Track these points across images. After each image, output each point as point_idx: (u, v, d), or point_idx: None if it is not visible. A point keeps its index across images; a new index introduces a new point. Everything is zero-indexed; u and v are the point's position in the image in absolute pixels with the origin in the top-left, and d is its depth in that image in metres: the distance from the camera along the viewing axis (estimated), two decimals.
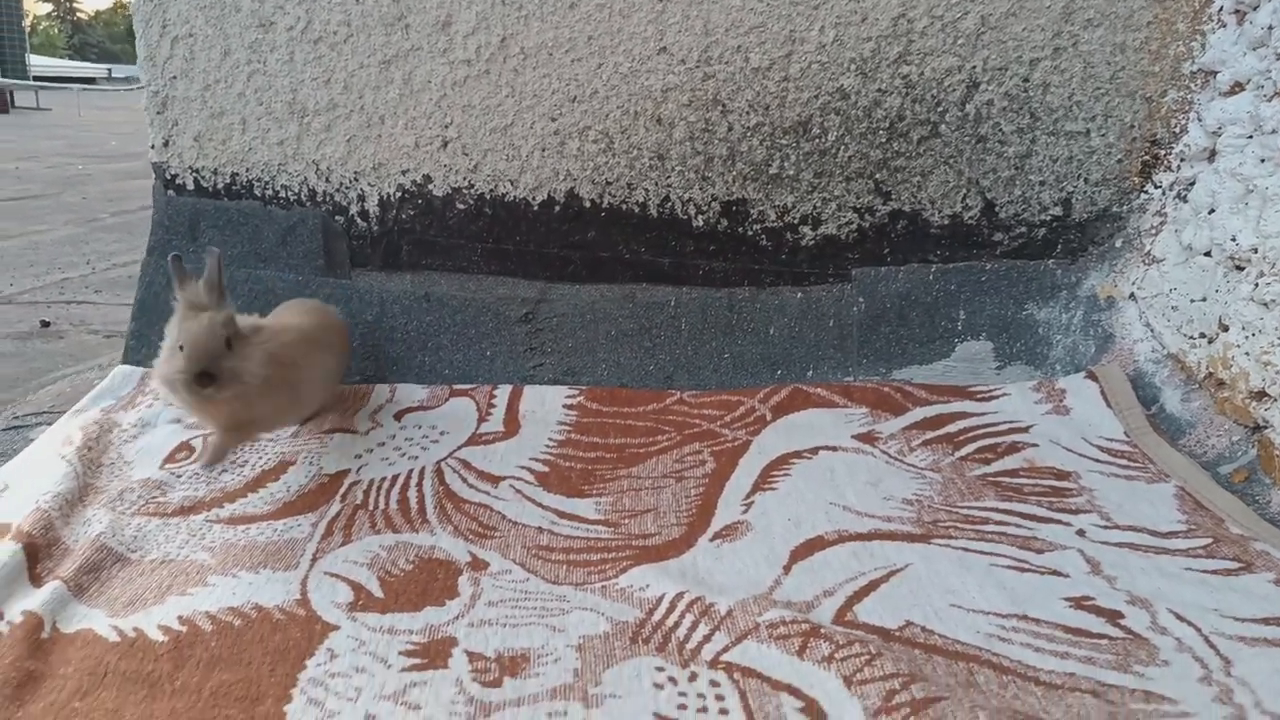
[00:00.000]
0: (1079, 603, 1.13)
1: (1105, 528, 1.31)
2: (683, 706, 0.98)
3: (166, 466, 1.58)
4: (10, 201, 4.57)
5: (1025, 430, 1.60)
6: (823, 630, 1.08)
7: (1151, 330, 1.69)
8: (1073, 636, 1.07)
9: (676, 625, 1.12)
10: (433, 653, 1.09)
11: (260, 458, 1.62)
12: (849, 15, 1.67)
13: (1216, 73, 1.61)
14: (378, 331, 1.90)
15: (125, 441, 1.66)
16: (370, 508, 1.45)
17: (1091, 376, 1.68)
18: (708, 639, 1.09)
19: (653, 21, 1.70)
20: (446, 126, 1.80)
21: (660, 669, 1.05)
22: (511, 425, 1.71)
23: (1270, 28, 1.48)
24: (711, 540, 1.34)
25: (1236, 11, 1.57)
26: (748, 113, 1.75)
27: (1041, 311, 1.79)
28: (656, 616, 1.15)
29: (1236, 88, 1.57)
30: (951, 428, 1.62)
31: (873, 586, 1.19)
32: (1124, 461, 1.49)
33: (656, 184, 1.81)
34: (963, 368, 1.79)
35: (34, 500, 1.40)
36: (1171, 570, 1.19)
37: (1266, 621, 1.07)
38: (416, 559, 1.30)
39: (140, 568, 1.29)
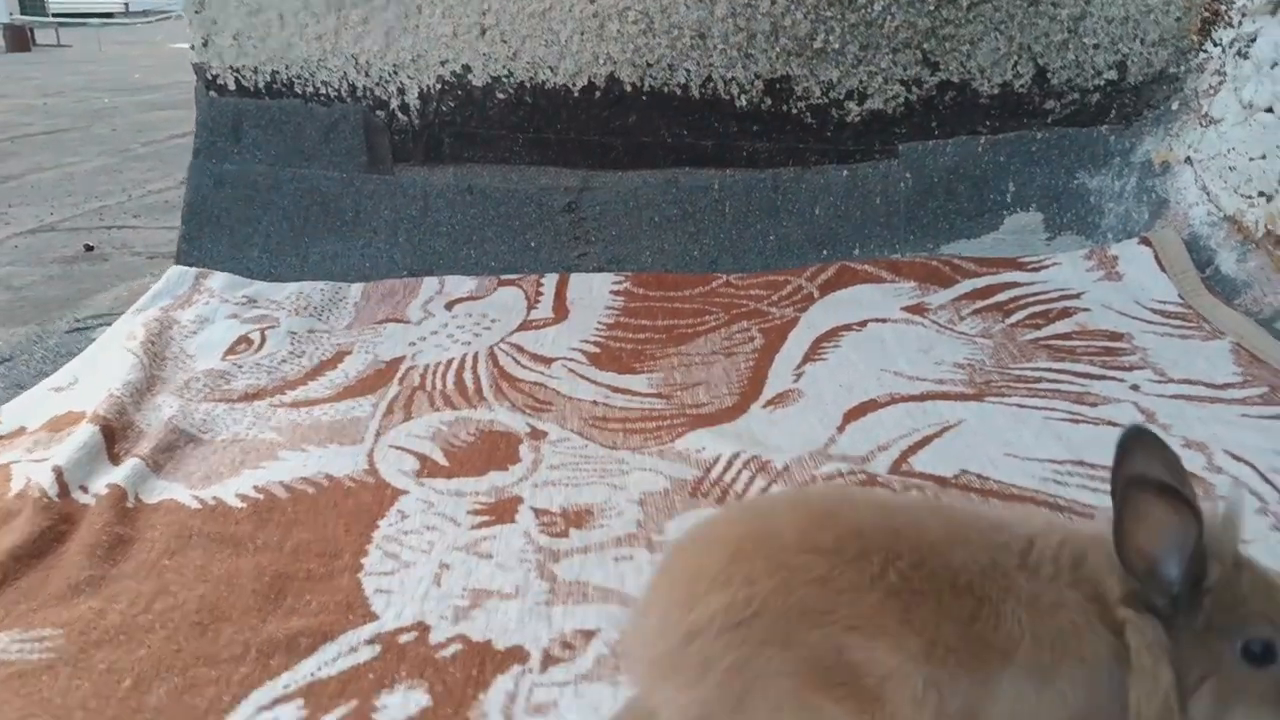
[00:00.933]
0: None
1: (1160, 382, 1.31)
2: None
3: (228, 358, 1.62)
4: (42, 135, 4.59)
5: (1076, 297, 1.59)
6: (880, 479, 1.10)
7: (1208, 193, 1.65)
8: None
9: (734, 480, 1.15)
10: (500, 511, 1.13)
11: (317, 349, 1.65)
12: None
13: None
14: (423, 226, 1.91)
15: (185, 337, 1.70)
16: (428, 389, 1.48)
17: (1145, 242, 1.66)
18: (765, 490, 1.12)
19: None
20: (484, 13, 1.78)
21: None
22: (560, 311, 1.73)
23: None
24: (764, 407, 1.36)
25: None
26: None
27: (1094, 180, 1.75)
28: (714, 474, 1.17)
29: None
30: (1001, 297, 1.61)
31: (927, 441, 1.20)
32: (1178, 322, 1.48)
33: (698, 64, 1.78)
34: (1012, 240, 1.77)
35: (105, 389, 1.45)
36: (1228, 418, 1.19)
37: None
38: (477, 431, 1.34)
39: (212, 446, 1.34)
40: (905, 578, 0.63)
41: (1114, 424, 1.20)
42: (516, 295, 1.78)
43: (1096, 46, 1.69)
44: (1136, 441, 0.66)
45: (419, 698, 0.84)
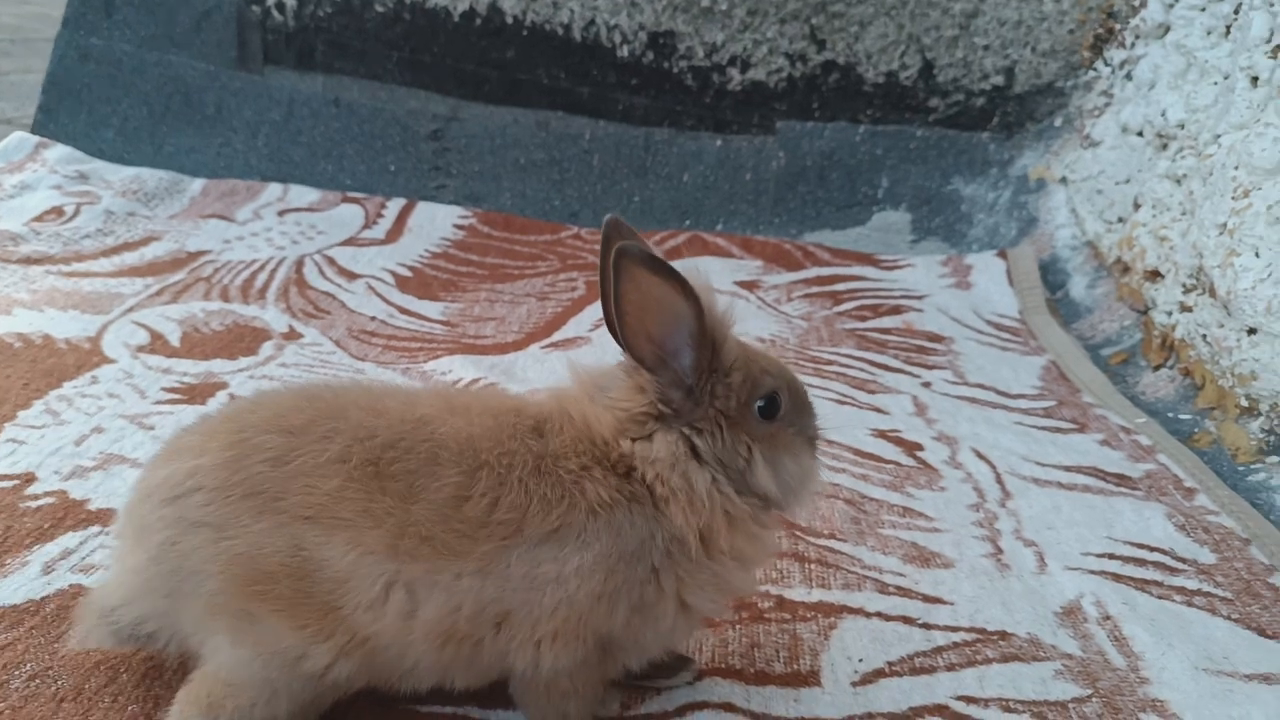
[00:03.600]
0: (884, 434, 1.06)
1: (954, 383, 1.23)
2: None
3: (31, 223, 1.54)
4: (47, 41, 4.50)
5: (918, 298, 1.51)
6: None
7: (1076, 215, 1.58)
8: (859, 459, 1.00)
9: None
10: (196, 392, 1.05)
11: (128, 231, 1.57)
12: None
13: None
14: (284, 132, 1.83)
15: (1, 199, 1.62)
16: (213, 281, 1.40)
17: (1002, 255, 1.58)
18: None
19: None
20: None
21: None
22: (394, 235, 1.64)
23: None
24: (543, 348, 1.28)
25: None
26: None
27: (968, 187, 1.68)
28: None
29: None
30: (840, 286, 1.53)
31: None
32: (1007, 335, 1.40)
33: (583, 4, 1.71)
34: (877, 237, 1.69)
35: None
36: (1000, 422, 1.11)
37: (1069, 469, 0.99)
38: (232, 324, 1.26)
39: None
40: (372, 460, 0.55)
41: (880, 410, 1.12)
42: (356, 213, 1.70)
43: (987, 48, 1.62)
44: (616, 228, 0.60)
45: None
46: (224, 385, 1.07)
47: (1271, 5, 1.19)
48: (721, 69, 1.71)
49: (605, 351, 1.25)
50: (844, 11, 1.64)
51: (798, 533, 0.85)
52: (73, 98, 1.89)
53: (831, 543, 0.84)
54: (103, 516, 0.81)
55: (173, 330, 1.21)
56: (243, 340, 1.21)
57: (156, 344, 1.17)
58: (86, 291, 1.31)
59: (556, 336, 1.32)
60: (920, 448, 1.03)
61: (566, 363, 0.63)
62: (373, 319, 1.33)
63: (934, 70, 1.65)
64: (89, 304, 1.27)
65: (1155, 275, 1.32)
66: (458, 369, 1.17)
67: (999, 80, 1.64)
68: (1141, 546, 0.85)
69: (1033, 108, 1.65)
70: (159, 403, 1.02)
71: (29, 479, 0.85)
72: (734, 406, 0.58)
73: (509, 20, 1.74)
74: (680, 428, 0.58)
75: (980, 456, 1.01)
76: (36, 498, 0.83)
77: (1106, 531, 0.87)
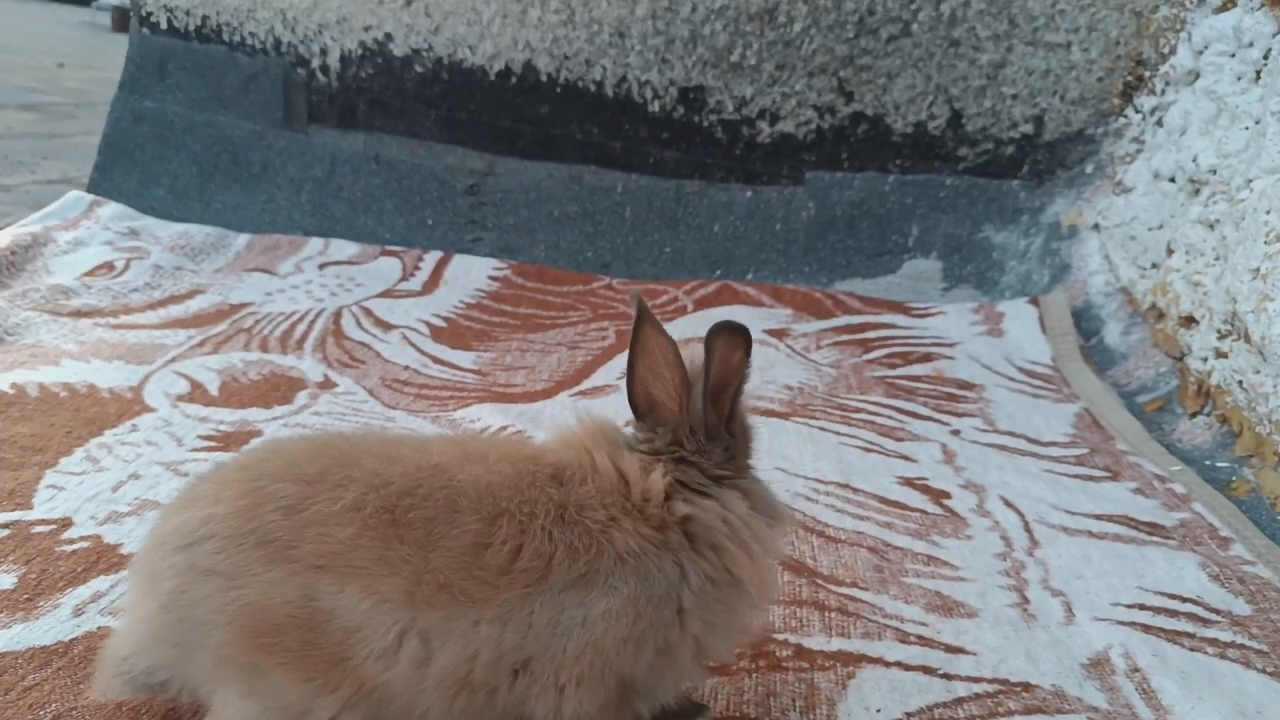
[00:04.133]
0: (911, 482, 1.05)
1: (984, 430, 1.21)
2: None
3: (82, 278, 1.60)
4: (108, 105, 4.74)
5: (949, 346, 1.50)
6: None
7: (1109, 262, 1.56)
8: (885, 506, 0.99)
9: None
10: (231, 440, 1.08)
11: (175, 285, 1.63)
12: None
13: None
14: (327, 189, 1.89)
15: (55, 255, 1.69)
16: (253, 332, 1.44)
17: (1034, 303, 1.57)
18: None
19: None
20: None
21: None
22: (430, 286, 1.68)
23: None
24: (572, 395, 1.29)
25: None
26: None
27: (999, 235, 1.67)
28: None
29: (1229, 3, 1.43)
30: (870, 334, 1.53)
31: None
32: (1039, 383, 1.39)
33: (615, 62, 1.75)
34: (908, 286, 1.69)
35: None
36: (1030, 470, 1.09)
37: (1099, 517, 0.97)
38: (269, 374, 1.29)
39: (8, 347, 1.31)
40: (388, 507, 0.55)
41: (907, 458, 1.11)
42: (394, 265, 1.74)
43: (1015, 97, 1.62)
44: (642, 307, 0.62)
45: (5, 580, 0.78)
46: (258, 433, 1.10)
47: None
48: (751, 122, 1.74)
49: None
50: (871, 64, 1.66)
51: (819, 580, 0.84)
52: (127, 157, 1.97)
53: (853, 591, 0.83)
54: (128, 562, 0.83)
55: (212, 379, 1.25)
56: (278, 389, 1.24)
57: (196, 393, 1.20)
58: (132, 343, 1.36)
59: (585, 385, 1.34)
60: (947, 495, 1.02)
61: (575, 411, 0.65)
62: (406, 368, 1.36)
63: (962, 120, 1.66)
64: (133, 355, 1.31)
65: (1190, 321, 1.30)
66: (486, 416, 1.18)
67: (1028, 128, 1.64)
68: (1173, 597, 0.83)
69: (1063, 155, 1.65)
70: (195, 449, 1.05)
71: (66, 524, 0.88)
72: (731, 452, 0.62)
73: (543, 78, 1.79)
74: (716, 477, 0.61)
75: (1009, 505, 1.00)
76: (72, 541, 0.85)
77: (1137, 581, 0.85)
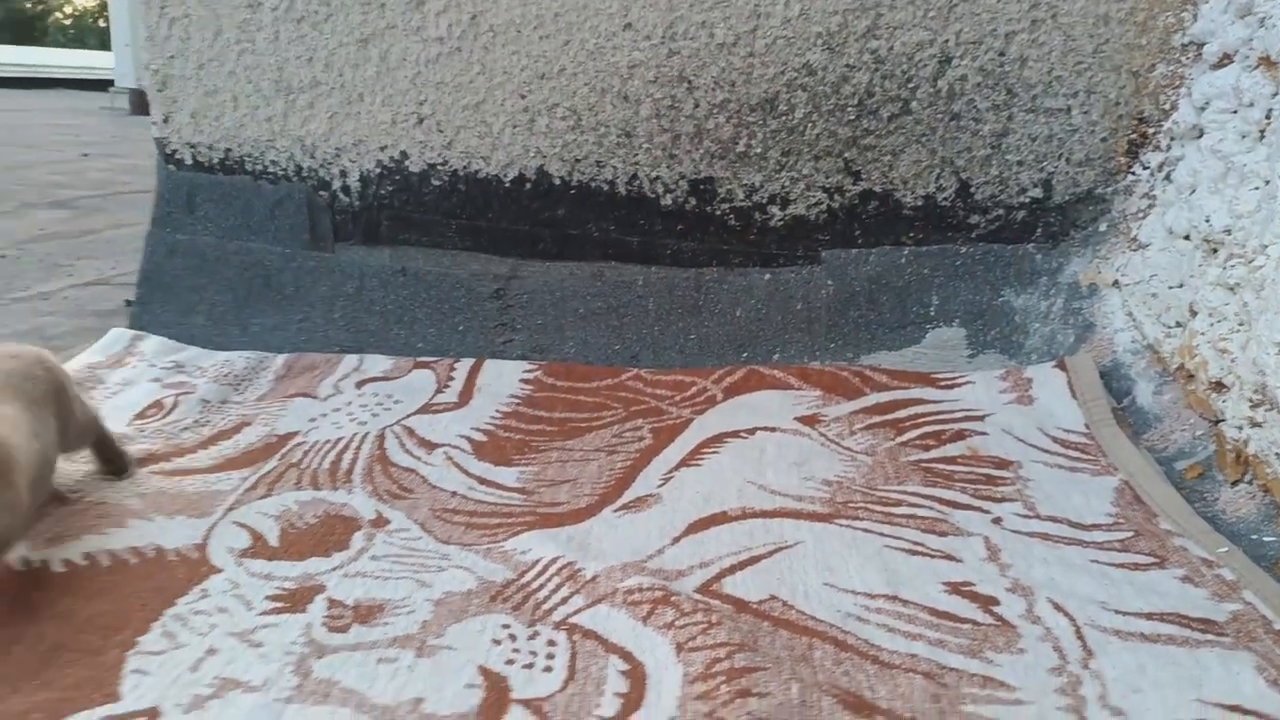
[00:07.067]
0: (957, 588, 1.07)
1: (1025, 517, 1.23)
2: (510, 661, 0.98)
3: (135, 422, 1.66)
4: (134, 193, 4.87)
5: (980, 419, 1.52)
6: (673, 598, 1.05)
7: (1133, 319, 1.58)
8: (934, 619, 1.01)
9: (540, 587, 1.12)
10: (296, 598, 1.12)
11: (222, 419, 1.68)
12: None
13: (1206, 44, 1.50)
14: (358, 304, 1.95)
15: (105, 397, 1.75)
16: (302, 466, 1.49)
17: (1061, 366, 1.59)
18: (564, 601, 1.08)
19: None
20: (421, 103, 1.84)
21: (506, 626, 1.04)
22: (465, 397, 1.73)
23: None
24: (615, 511, 1.32)
25: None
26: (714, 89, 1.73)
27: (1019, 298, 1.70)
28: (526, 578, 1.14)
29: (1225, 59, 1.46)
30: (901, 413, 1.55)
31: (753, 561, 1.15)
32: (1075, 454, 1.40)
33: (624, 161, 1.80)
34: (933, 355, 1.72)
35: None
36: (1075, 561, 1.11)
37: (1150, 616, 0.99)
38: (324, 514, 1.33)
39: (76, 508, 1.36)
40: None
41: (952, 558, 1.14)
42: (428, 378, 1.79)
43: (1021, 164, 1.65)
44: None
45: None
46: (322, 588, 1.14)
47: None
48: (763, 207, 1.78)
49: (674, 509, 1.29)
50: (875, 144, 1.70)
51: (879, 717, 0.86)
52: (164, 290, 2.04)
53: None
54: None
55: (271, 528, 1.29)
56: (334, 533, 1.28)
57: (257, 545, 1.25)
58: (190, 493, 1.41)
59: (627, 496, 1.37)
60: (996, 602, 1.04)
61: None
62: (453, 494, 1.40)
63: (971, 189, 1.69)
64: (192, 506, 1.36)
65: (1220, 386, 1.32)
66: (535, 547, 1.22)
67: (1037, 193, 1.67)
68: (1234, 709, 0.85)
69: (1075, 215, 1.67)
70: (264, 613, 1.09)
71: (154, 714, 0.92)
72: None
73: (556, 182, 1.84)
74: None
75: (1058, 608, 1.02)
76: None
77: (1195, 693, 0.87)
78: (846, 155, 1.71)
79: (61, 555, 1.22)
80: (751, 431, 1.52)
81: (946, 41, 1.62)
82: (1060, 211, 1.67)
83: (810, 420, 1.55)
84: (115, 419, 1.69)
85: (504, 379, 1.78)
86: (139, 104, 12.28)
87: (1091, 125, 1.62)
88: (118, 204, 4.52)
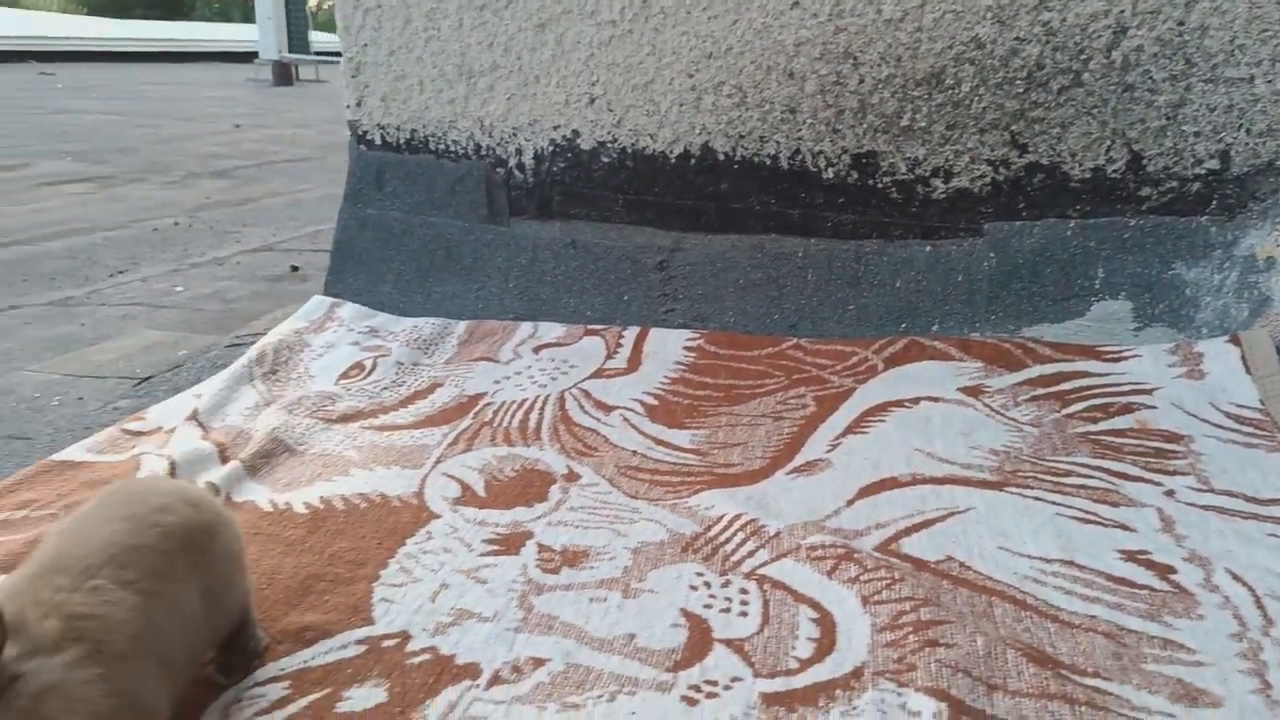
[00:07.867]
0: (1133, 556, 1.11)
1: (1199, 490, 1.26)
2: (708, 606, 1.08)
3: (340, 382, 1.85)
4: (285, 163, 5.21)
5: (1148, 393, 1.53)
6: (856, 555, 1.14)
7: None
8: (1112, 584, 1.06)
9: (727, 541, 1.22)
10: (510, 543, 1.25)
11: (416, 380, 1.85)
12: None
13: None
14: (530, 274, 2.08)
15: (313, 359, 1.95)
16: (494, 425, 1.63)
17: (1234, 341, 1.58)
18: (751, 554, 1.18)
19: None
20: (593, 84, 1.94)
21: (700, 574, 1.15)
22: (634, 363, 1.84)
23: None
24: (788, 474, 1.41)
25: None
26: (879, 65, 1.76)
27: (1190, 271, 1.68)
28: (712, 532, 1.24)
29: None
30: (1066, 385, 1.58)
31: (926, 524, 1.22)
32: (1250, 429, 1.41)
33: (788, 137, 1.86)
34: (1097, 328, 1.72)
35: (226, 413, 1.69)
36: (1253, 535, 1.14)
37: None
38: (521, 468, 1.47)
39: (303, 458, 1.54)
40: None
41: (1126, 527, 1.18)
42: (598, 344, 1.91)
43: (1197, 135, 1.63)
44: None
45: (379, 695, 0.97)
46: (531, 534, 1.27)
47: None
48: (925, 180, 1.81)
49: (845, 474, 1.37)
50: (1044, 116, 1.70)
51: (1063, 671, 0.93)
52: (355, 260, 2.23)
53: (1098, 682, 0.91)
54: (465, 672, 1.00)
55: (476, 480, 1.44)
56: (533, 485, 1.42)
57: (468, 494, 1.40)
58: (400, 446, 1.57)
59: (798, 460, 1.45)
60: (1173, 570, 1.08)
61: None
62: (634, 453, 1.51)
63: (1143, 161, 1.68)
64: (404, 458, 1.52)
65: None
66: (718, 504, 1.32)
67: (1214, 164, 1.65)
68: None
69: (1254, 188, 1.64)
70: (483, 554, 1.23)
71: (405, 637, 1.07)
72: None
73: (720, 157, 1.91)
74: None
75: (1237, 579, 1.05)
76: (415, 654, 1.04)
77: None
78: (1013, 128, 1.72)
79: (302, 498, 1.39)
80: (915, 401, 1.58)
81: (1122, 12, 1.61)
82: (1238, 183, 1.65)
83: (973, 391, 1.60)
84: (321, 379, 1.88)
85: (668, 346, 1.88)
86: (282, 75, 12.97)
87: (1276, 94, 1.58)
88: (271, 173, 4.84)
